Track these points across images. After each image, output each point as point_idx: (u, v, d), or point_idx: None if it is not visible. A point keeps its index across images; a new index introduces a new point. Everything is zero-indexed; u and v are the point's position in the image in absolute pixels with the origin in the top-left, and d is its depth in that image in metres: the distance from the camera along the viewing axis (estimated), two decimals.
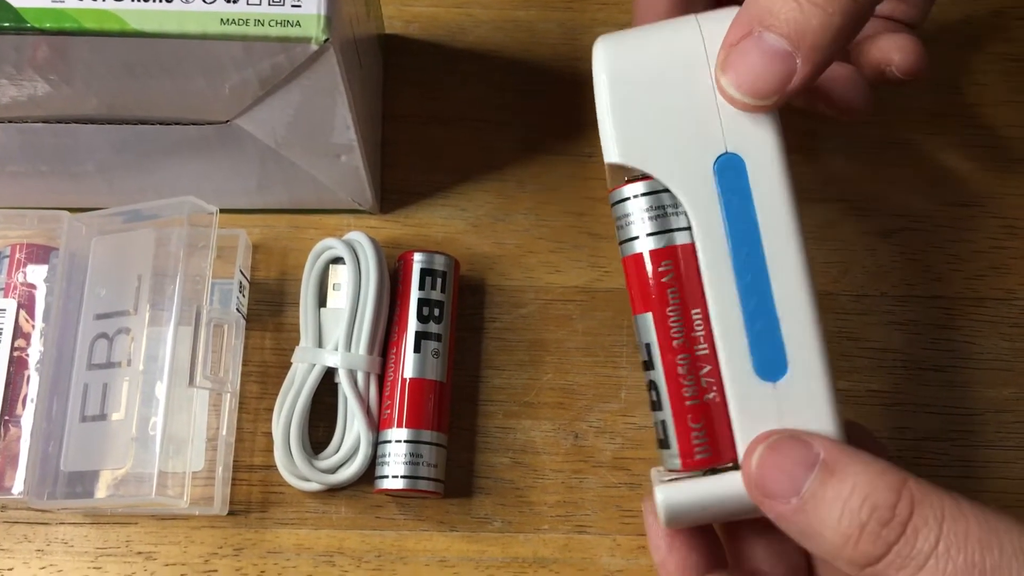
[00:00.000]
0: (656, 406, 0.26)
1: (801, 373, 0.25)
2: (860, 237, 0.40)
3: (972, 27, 0.43)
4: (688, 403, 0.26)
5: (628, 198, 0.26)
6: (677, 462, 0.26)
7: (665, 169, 0.26)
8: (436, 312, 0.37)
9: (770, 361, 0.25)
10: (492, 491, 0.37)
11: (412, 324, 0.37)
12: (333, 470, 0.36)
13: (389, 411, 0.36)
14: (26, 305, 0.37)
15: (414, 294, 0.37)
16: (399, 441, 0.35)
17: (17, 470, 0.35)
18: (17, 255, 0.37)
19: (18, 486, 0.34)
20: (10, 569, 0.35)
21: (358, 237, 0.37)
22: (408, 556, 0.36)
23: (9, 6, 0.29)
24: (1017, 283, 0.39)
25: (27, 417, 0.35)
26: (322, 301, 0.37)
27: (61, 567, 0.35)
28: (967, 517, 0.21)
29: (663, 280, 0.26)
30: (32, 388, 0.35)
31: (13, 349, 0.36)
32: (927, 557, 0.21)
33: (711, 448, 0.26)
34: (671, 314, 0.26)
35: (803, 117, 0.41)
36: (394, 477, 0.35)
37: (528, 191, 0.40)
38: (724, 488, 0.25)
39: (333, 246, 0.37)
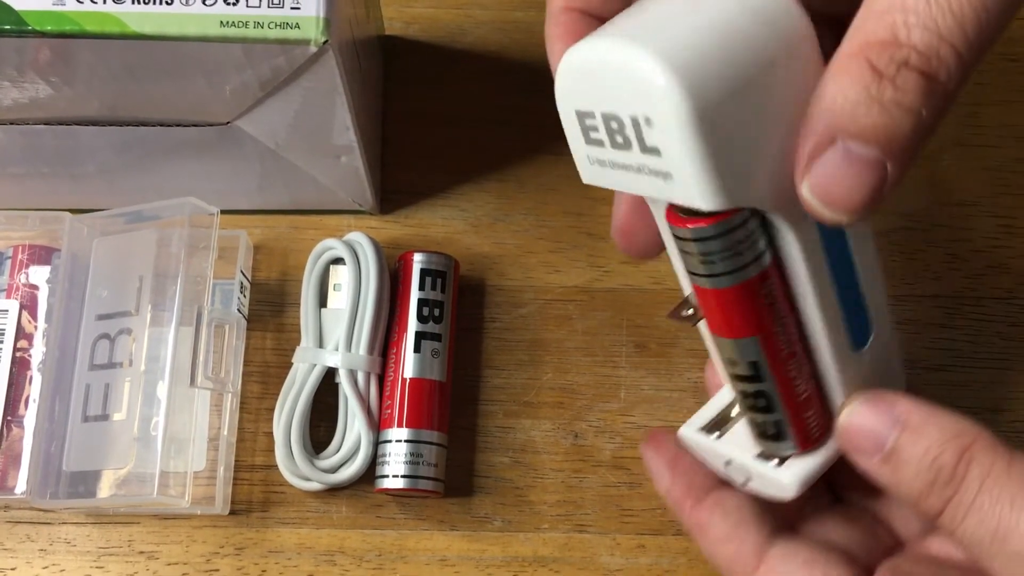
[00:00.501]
0: (766, 410, 0.27)
1: (879, 339, 0.27)
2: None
3: None
4: (800, 399, 0.27)
5: (719, 235, 0.24)
6: (793, 449, 0.28)
7: (767, 199, 0.23)
8: (436, 312, 0.37)
9: (859, 332, 0.27)
10: (492, 490, 0.37)
11: (412, 324, 0.37)
12: (334, 470, 0.36)
13: (389, 411, 0.36)
14: (28, 306, 0.37)
15: (414, 294, 0.37)
16: (399, 441, 0.36)
17: (20, 470, 0.35)
18: (19, 256, 0.37)
19: (21, 486, 0.35)
20: (13, 569, 0.36)
21: (358, 238, 0.37)
22: (409, 555, 0.36)
23: (10, 9, 0.29)
24: (1016, 282, 0.39)
25: (30, 417, 0.35)
26: (323, 301, 0.38)
27: (64, 566, 0.36)
28: (1011, 477, 0.23)
29: (766, 302, 0.25)
30: (34, 388, 0.36)
31: (15, 350, 0.36)
32: (967, 508, 0.23)
33: (821, 426, 0.27)
34: (777, 330, 0.26)
35: None
36: (394, 476, 0.35)
37: (528, 191, 0.40)
38: (831, 453, 0.27)
39: (333, 247, 0.37)
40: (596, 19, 0.25)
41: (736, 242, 0.24)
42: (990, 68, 0.42)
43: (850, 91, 0.21)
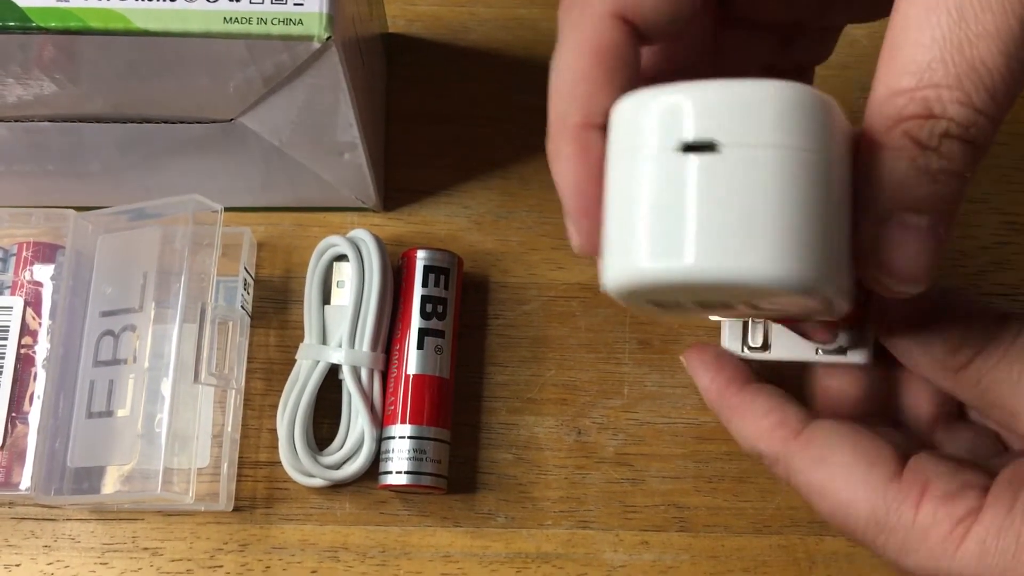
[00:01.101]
0: None
1: None
2: None
3: None
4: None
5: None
6: (849, 329, 0.29)
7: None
8: (439, 309, 0.37)
9: None
10: (495, 487, 0.37)
11: (415, 321, 0.37)
12: (337, 466, 0.36)
13: (393, 407, 0.36)
14: (33, 303, 0.37)
15: (417, 291, 0.37)
16: (403, 437, 0.36)
17: (24, 466, 0.35)
18: (24, 253, 0.38)
19: (25, 482, 0.35)
20: (17, 565, 0.36)
21: (362, 235, 0.37)
22: (412, 552, 0.36)
23: (14, 5, 0.29)
24: (1020, 279, 0.39)
25: (34, 414, 0.35)
26: (326, 298, 0.38)
27: (68, 563, 0.36)
28: None
29: None
30: (39, 385, 0.36)
31: (20, 346, 0.36)
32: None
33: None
34: None
35: None
36: (398, 473, 0.35)
37: (531, 188, 0.40)
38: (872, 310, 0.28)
39: (337, 243, 0.37)
40: None
41: None
42: None
43: (898, 167, 0.21)
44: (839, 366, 0.29)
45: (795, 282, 0.20)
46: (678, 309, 0.24)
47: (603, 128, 0.23)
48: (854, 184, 0.22)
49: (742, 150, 0.20)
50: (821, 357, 0.29)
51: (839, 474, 0.26)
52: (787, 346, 0.30)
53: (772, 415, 0.28)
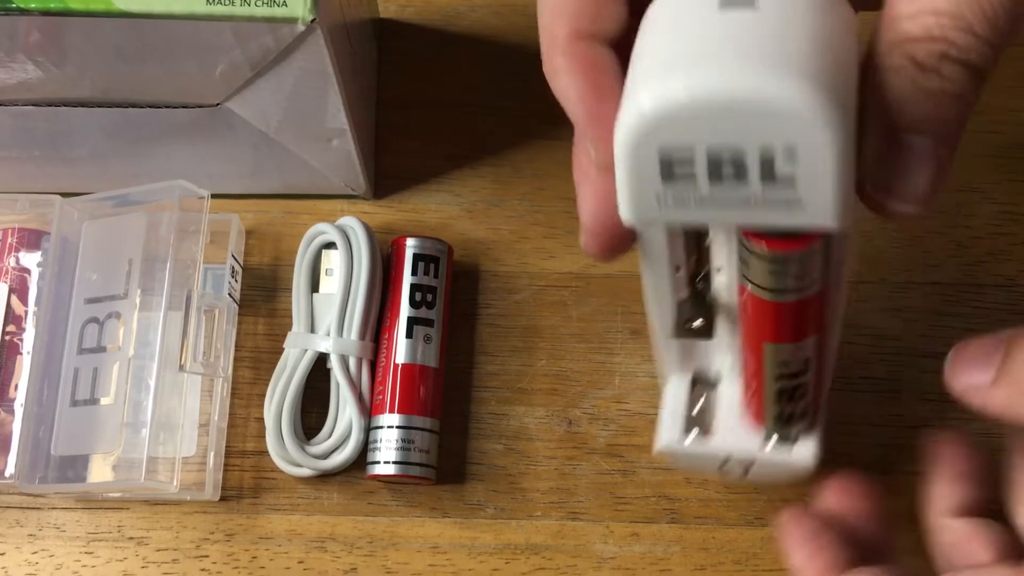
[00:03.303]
0: (802, 397, 0.28)
1: None
2: (858, 223, 0.39)
3: None
4: (826, 379, 0.29)
5: (813, 252, 0.23)
6: (803, 427, 0.29)
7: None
8: (429, 297, 0.37)
9: None
10: (485, 477, 0.36)
11: (404, 309, 0.36)
12: (325, 456, 0.36)
13: (381, 396, 0.36)
14: (18, 289, 0.37)
15: (407, 279, 0.37)
16: (391, 427, 0.35)
17: (9, 454, 0.35)
18: (9, 240, 0.37)
19: (10, 469, 0.34)
20: (2, 554, 0.35)
21: (351, 222, 0.37)
22: (400, 542, 0.36)
23: None
24: (1017, 270, 0.39)
25: (19, 401, 0.35)
26: (315, 286, 0.37)
27: (53, 552, 0.35)
28: None
29: (819, 314, 0.26)
30: (24, 372, 0.35)
31: (5, 333, 0.36)
32: None
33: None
34: (828, 325, 0.27)
35: None
36: (386, 463, 0.35)
37: (523, 177, 0.40)
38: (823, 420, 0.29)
39: (326, 231, 0.37)
40: (609, 46, 0.24)
41: (813, 263, 0.24)
42: None
43: (899, 85, 0.21)
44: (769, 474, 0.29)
45: (816, 105, 0.19)
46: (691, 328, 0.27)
47: (591, 38, 0.23)
48: (859, 104, 0.21)
49: (775, 5, 0.20)
50: (768, 453, 0.29)
51: None
52: (731, 437, 0.29)
53: None
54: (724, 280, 0.28)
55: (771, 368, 0.27)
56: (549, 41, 0.24)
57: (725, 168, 0.21)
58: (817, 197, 0.21)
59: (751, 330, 0.26)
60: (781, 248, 0.23)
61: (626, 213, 0.22)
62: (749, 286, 0.25)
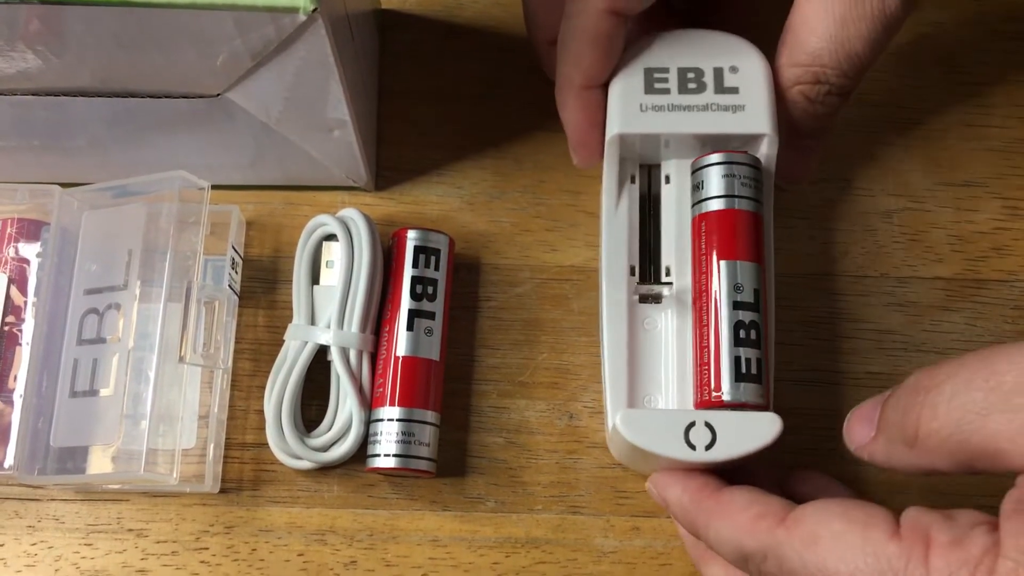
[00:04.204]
0: (754, 344, 0.31)
1: None
2: (860, 217, 0.39)
3: (976, 4, 0.42)
4: (771, 342, 0.32)
5: (755, 163, 0.33)
6: (761, 398, 0.31)
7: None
8: (430, 290, 0.37)
9: None
10: (485, 471, 0.36)
11: (405, 302, 0.36)
12: (325, 448, 0.36)
13: (381, 389, 0.36)
14: (17, 280, 0.36)
15: (407, 272, 0.36)
16: (391, 420, 0.35)
17: (8, 445, 0.34)
18: (8, 230, 0.37)
19: (8, 460, 0.34)
20: (1, 545, 0.35)
21: (352, 214, 0.37)
22: (400, 535, 0.35)
23: None
24: (1019, 264, 0.39)
25: (18, 392, 0.35)
26: (315, 278, 0.37)
27: (52, 543, 0.35)
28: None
29: (763, 239, 0.32)
30: (23, 363, 0.35)
31: (4, 324, 0.36)
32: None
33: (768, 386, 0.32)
34: (766, 268, 0.32)
35: None
36: (386, 456, 0.35)
37: (525, 169, 0.40)
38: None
39: (326, 223, 0.37)
40: (602, 87, 0.34)
41: (740, 174, 0.33)
42: (995, 48, 0.41)
43: (795, 112, 0.33)
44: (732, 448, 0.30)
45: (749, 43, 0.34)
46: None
47: (595, 87, 0.34)
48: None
49: None
50: (729, 415, 0.31)
51: (834, 548, 0.24)
52: (687, 404, 0.33)
53: (753, 507, 0.27)
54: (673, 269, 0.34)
55: (726, 293, 0.31)
56: (566, 83, 0.34)
57: (689, 83, 0.33)
58: (754, 104, 0.32)
59: (707, 253, 0.32)
60: (730, 151, 0.33)
61: (614, 127, 0.33)
62: (706, 205, 0.32)
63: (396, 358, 0.36)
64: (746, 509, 0.27)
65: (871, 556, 0.24)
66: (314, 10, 0.28)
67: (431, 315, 0.36)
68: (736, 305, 0.31)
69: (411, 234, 0.37)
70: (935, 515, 0.24)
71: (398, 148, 0.40)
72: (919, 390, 0.25)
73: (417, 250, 0.37)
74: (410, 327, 0.36)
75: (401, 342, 0.36)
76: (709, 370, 0.31)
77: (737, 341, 0.31)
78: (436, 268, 0.37)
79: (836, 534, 0.25)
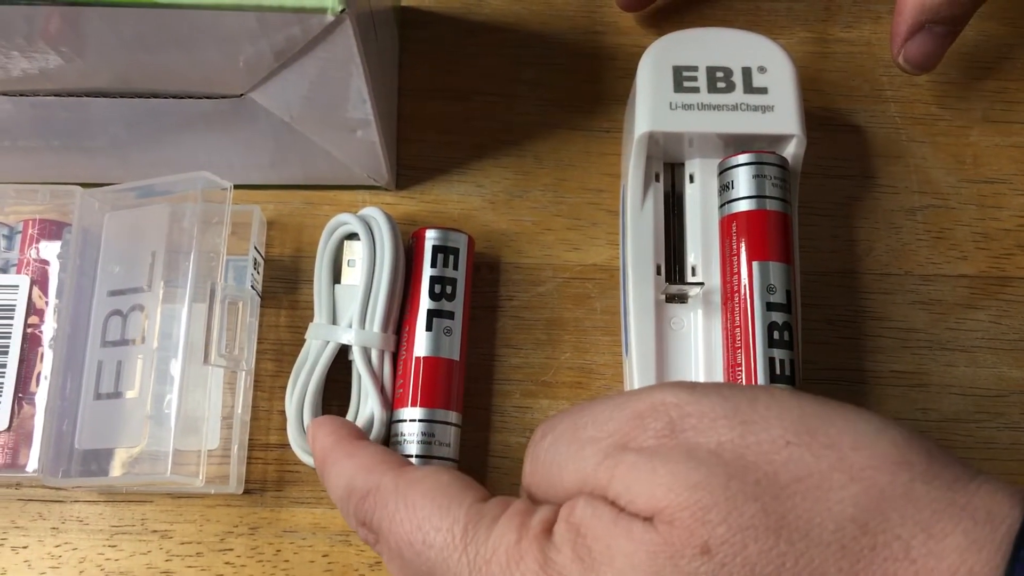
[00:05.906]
0: (787, 345, 0.31)
1: None
2: (884, 215, 0.39)
3: (1001, 1, 0.42)
4: (799, 344, 0.32)
5: (783, 164, 0.33)
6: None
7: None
8: (449, 290, 0.36)
9: None
10: (508, 471, 0.36)
11: (424, 302, 0.36)
12: None
13: (402, 390, 0.36)
14: (39, 281, 0.36)
15: (426, 271, 0.36)
16: (413, 420, 0.35)
17: (32, 448, 0.34)
18: (30, 231, 0.37)
19: (33, 464, 0.34)
20: (25, 547, 0.35)
21: (373, 213, 0.37)
22: None
23: None
24: None
25: (41, 394, 0.35)
26: (336, 277, 0.37)
27: (76, 545, 0.35)
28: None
29: (791, 239, 0.33)
30: (46, 365, 0.35)
31: (27, 326, 0.36)
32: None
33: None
34: (795, 269, 0.32)
35: (818, 93, 0.41)
36: (407, 456, 0.35)
37: (546, 167, 0.40)
38: None
39: (348, 222, 0.37)
40: None
41: (787, 172, 0.33)
42: (1020, 44, 0.41)
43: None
44: None
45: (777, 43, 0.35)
46: None
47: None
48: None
49: None
50: None
51: (430, 491, 0.25)
52: None
53: (382, 455, 0.28)
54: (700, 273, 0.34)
55: (759, 294, 0.31)
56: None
57: (719, 82, 0.33)
58: (783, 104, 0.33)
59: (738, 254, 0.32)
60: (759, 151, 0.33)
61: (644, 125, 0.33)
62: (736, 205, 0.33)
63: (416, 358, 0.36)
64: (375, 455, 0.28)
65: (455, 505, 0.25)
66: (342, 11, 0.28)
67: (450, 315, 0.36)
68: (769, 306, 0.31)
69: (429, 234, 0.37)
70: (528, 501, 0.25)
71: (418, 147, 0.40)
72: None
73: (436, 250, 0.37)
74: (429, 327, 0.36)
75: (420, 342, 0.36)
76: (742, 371, 0.31)
77: (771, 342, 0.31)
78: (455, 268, 0.37)
79: (438, 484, 0.26)
